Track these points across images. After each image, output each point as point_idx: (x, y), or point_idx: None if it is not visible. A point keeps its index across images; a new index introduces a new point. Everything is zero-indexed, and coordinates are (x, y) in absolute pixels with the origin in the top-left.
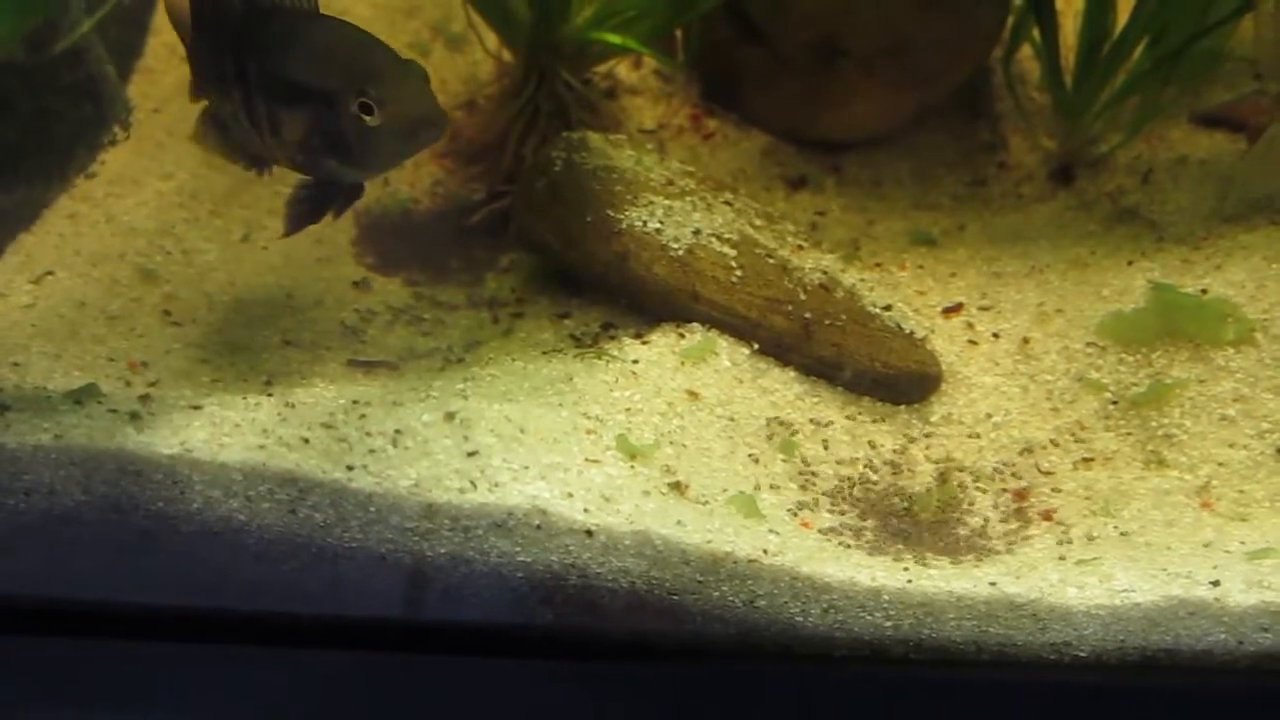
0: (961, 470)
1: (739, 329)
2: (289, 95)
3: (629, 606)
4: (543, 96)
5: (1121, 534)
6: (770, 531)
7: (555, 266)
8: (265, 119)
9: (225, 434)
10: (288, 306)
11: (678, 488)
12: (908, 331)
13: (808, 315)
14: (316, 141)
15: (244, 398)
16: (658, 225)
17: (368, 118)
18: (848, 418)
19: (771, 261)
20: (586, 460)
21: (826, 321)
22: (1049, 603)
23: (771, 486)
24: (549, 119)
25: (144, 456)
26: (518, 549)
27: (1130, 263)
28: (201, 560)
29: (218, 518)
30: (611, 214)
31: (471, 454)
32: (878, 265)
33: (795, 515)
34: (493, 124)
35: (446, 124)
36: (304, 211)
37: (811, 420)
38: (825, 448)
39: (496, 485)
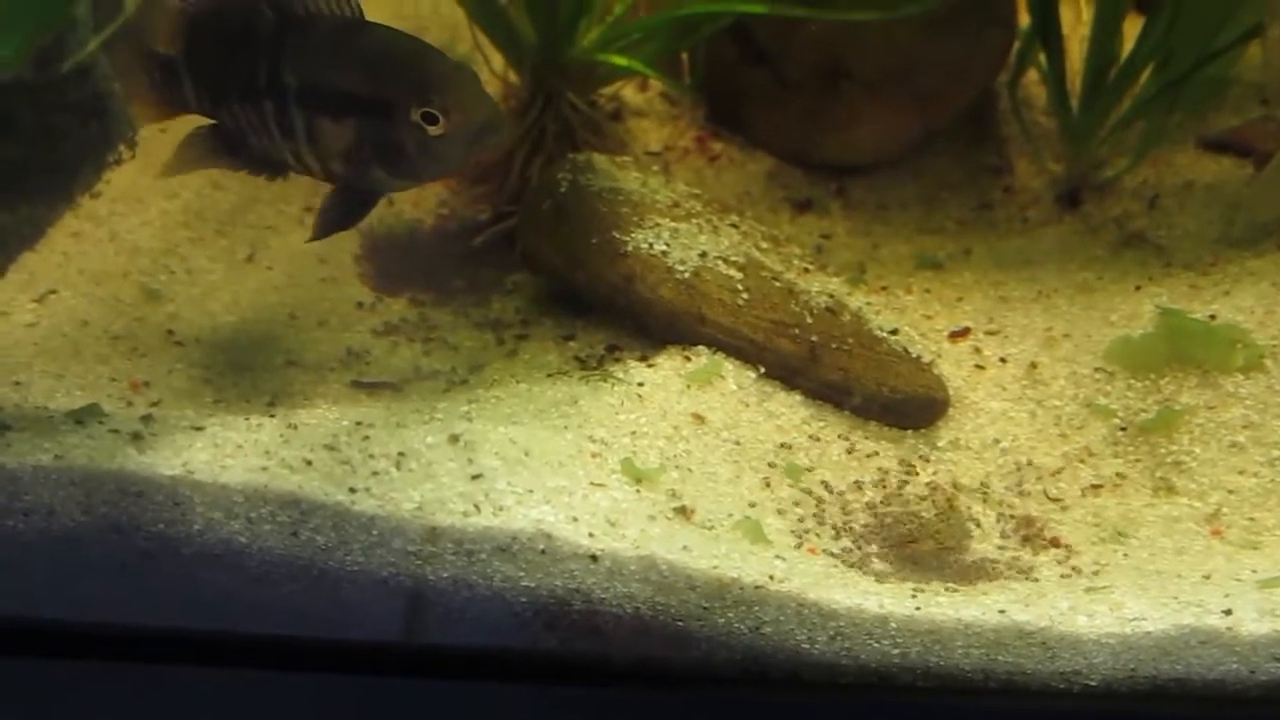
0: (969, 496)
1: (745, 352)
2: (336, 105)
3: (634, 632)
4: (549, 118)
5: (1131, 561)
6: (776, 557)
7: (560, 288)
8: (303, 131)
9: (227, 455)
10: (291, 326)
11: (683, 512)
12: (915, 356)
13: (814, 339)
14: (366, 152)
15: (246, 418)
16: (664, 247)
17: (431, 127)
18: (854, 442)
19: (778, 284)
20: (591, 484)
21: (833, 345)
22: (1058, 631)
23: (778, 511)
24: (555, 140)
25: (145, 477)
26: (521, 573)
27: (1138, 288)
28: (203, 582)
29: (219, 540)
30: (617, 236)
31: (475, 477)
32: (884, 289)
33: (801, 540)
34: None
35: (507, 128)
36: (334, 219)
37: (818, 445)
38: (832, 472)
39: (501, 509)
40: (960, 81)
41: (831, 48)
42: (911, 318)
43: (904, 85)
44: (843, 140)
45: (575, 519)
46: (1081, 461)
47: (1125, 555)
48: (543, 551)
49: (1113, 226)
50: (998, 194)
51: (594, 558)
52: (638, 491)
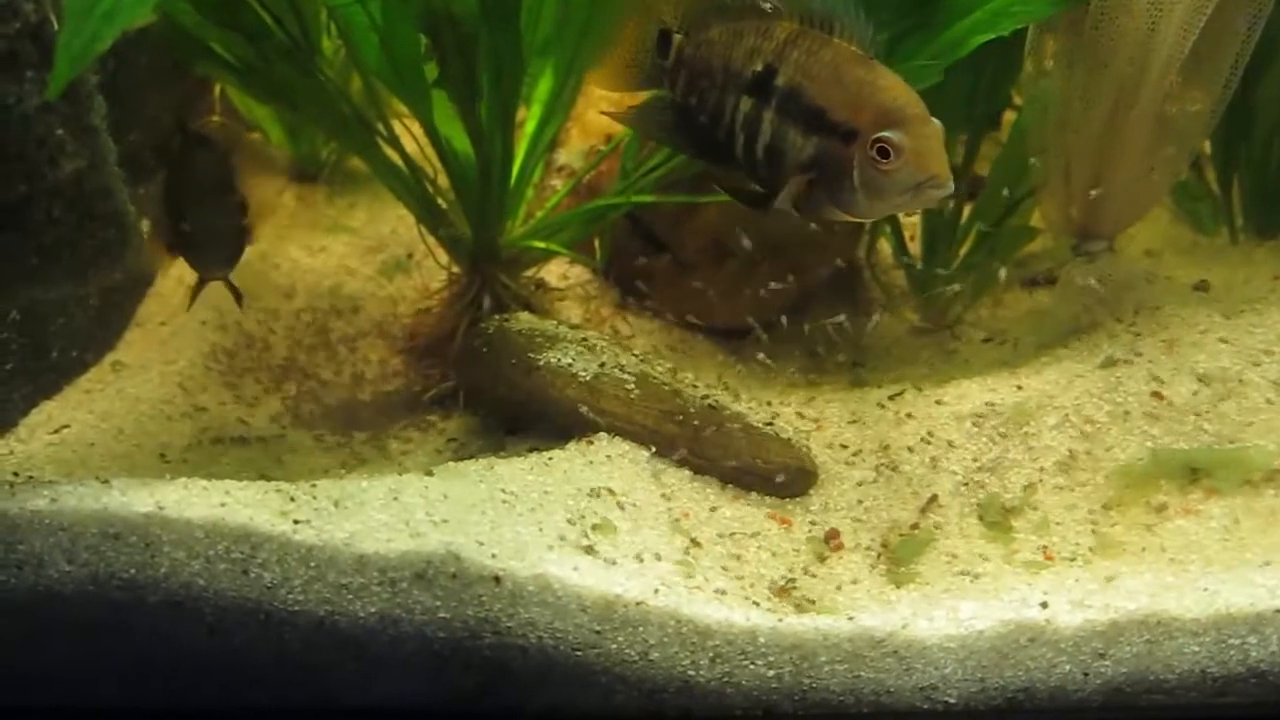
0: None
1: (638, 435)
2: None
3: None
4: (485, 296)
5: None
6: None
7: (490, 406)
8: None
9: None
10: (267, 454)
11: (588, 551)
12: (786, 437)
13: (696, 423)
14: (817, 173)
15: None
16: (569, 361)
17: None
18: (736, 508)
19: (666, 387)
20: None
21: (713, 428)
22: (903, 637)
23: (655, 555)
24: (490, 314)
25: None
26: (437, 603)
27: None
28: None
29: None
30: (532, 355)
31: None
32: (768, 404)
33: (693, 576)
34: (443, 321)
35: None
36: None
37: (703, 509)
38: (713, 529)
39: (417, 535)
40: (824, 252)
41: (716, 232)
42: (786, 418)
43: (777, 258)
44: (731, 307)
45: (481, 543)
46: (932, 512)
47: (976, 581)
48: (454, 575)
49: (959, 355)
50: (866, 340)
51: (497, 579)
52: (540, 529)
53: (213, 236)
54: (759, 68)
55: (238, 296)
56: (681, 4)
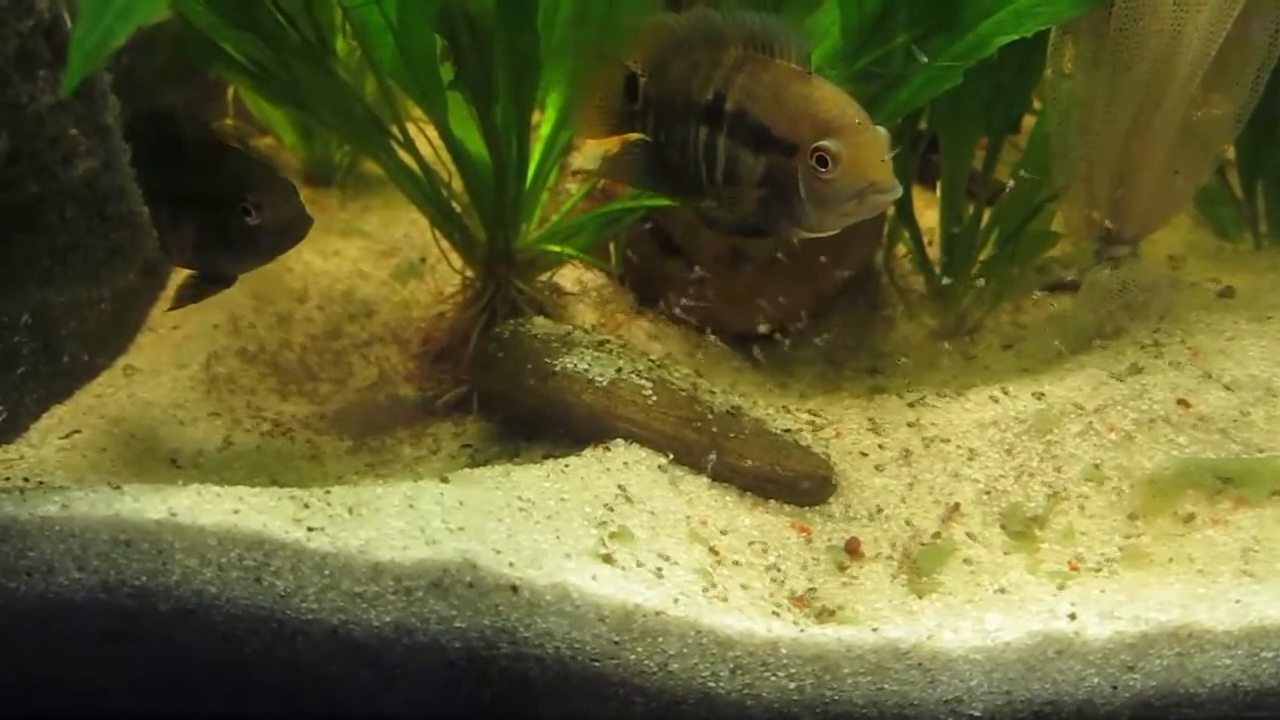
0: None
1: (656, 442)
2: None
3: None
4: (499, 301)
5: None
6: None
7: (505, 411)
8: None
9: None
10: (280, 460)
11: (606, 559)
12: (806, 445)
13: (715, 430)
14: (769, 190)
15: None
16: (586, 366)
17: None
18: (756, 515)
19: (683, 393)
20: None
21: (732, 435)
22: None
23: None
24: (504, 318)
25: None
26: (453, 612)
27: (1005, 392)
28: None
29: None
30: (548, 360)
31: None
32: (785, 410)
33: (711, 587)
34: (457, 326)
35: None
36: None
37: (724, 516)
38: (736, 538)
39: (433, 542)
40: (840, 258)
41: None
42: (805, 425)
43: (793, 264)
44: (747, 312)
45: (498, 552)
46: (954, 521)
47: (1000, 592)
48: (470, 584)
49: (979, 361)
50: (885, 346)
51: (514, 589)
52: (557, 537)
53: (289, 226)
54: (710, 96)
55: (227, 285)
56: (642, 48)
